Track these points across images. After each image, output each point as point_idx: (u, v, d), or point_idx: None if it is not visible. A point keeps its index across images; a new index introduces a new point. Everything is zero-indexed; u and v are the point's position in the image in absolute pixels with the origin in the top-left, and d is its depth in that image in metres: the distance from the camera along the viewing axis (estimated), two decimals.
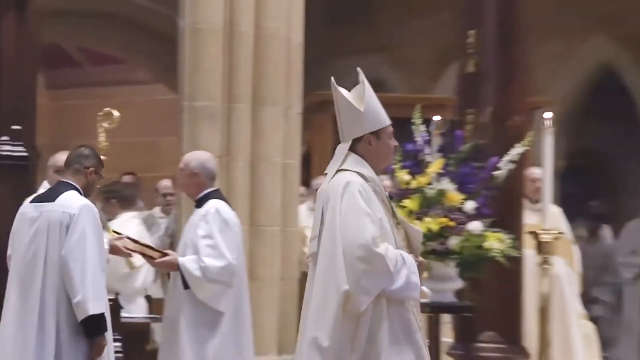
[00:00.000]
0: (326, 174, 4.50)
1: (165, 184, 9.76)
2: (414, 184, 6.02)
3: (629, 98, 10.76)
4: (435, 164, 6.05)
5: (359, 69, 4.53)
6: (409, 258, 4.39)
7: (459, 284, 6.14)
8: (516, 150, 6.13)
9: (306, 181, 8.84)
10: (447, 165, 6.06)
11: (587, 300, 9.75)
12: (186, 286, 5.80)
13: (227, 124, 7.45)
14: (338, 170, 4.42)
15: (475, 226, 5.96)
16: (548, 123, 6.50)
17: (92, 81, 14.25)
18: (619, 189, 13.58)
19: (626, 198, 13.27)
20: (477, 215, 5.98)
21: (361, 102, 4.43)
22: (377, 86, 12.95)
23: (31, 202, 5.52)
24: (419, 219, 5.86)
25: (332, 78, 4.53)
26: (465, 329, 6.71)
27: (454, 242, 5.92)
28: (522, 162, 6.52)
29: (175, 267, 5.84)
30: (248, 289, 6.07)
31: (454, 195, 5.98)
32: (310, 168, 9.26)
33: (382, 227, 4.34)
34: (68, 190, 5.37)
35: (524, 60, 7.03)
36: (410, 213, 5.93)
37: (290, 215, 7.81)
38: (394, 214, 4.51)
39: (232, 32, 7.43)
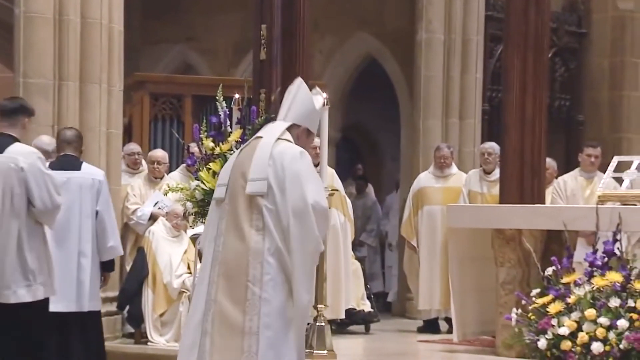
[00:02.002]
0: (260, 137, 4.40)
1: None
2: (217, 150, 5.94)
3: (389, 83, 10.99)
4: (235, 134, 5.99)
5: (317, 88, 4.79)
6: None
7: None
8: None
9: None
10: (245, 135, 6.00)
11: (355, 243, 9.95)
12: None
13: (58, 98, 7.16)
14: (279, 139, 4.34)
15: None
16: (324, 101, 6.53)
17: None
18: (380, 155, 13.95)
19: (386, 161, 13.65)
20: None
21: (316, 103, 4.53)
22: (186, 70, 12.71)
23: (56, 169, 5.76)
24: None
25: (299, 77, 4.65)
26: None
27: None
28: None
29: None
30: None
31: None
32: (132, 136, 9.07)
33: None
34: (81, 161, 5.97)
35: (303, 50, 7.09)
36: (215, 174, 5.85)
37: (114, 176, 7.58)
38: None
39: (61, 20, 7.12)
